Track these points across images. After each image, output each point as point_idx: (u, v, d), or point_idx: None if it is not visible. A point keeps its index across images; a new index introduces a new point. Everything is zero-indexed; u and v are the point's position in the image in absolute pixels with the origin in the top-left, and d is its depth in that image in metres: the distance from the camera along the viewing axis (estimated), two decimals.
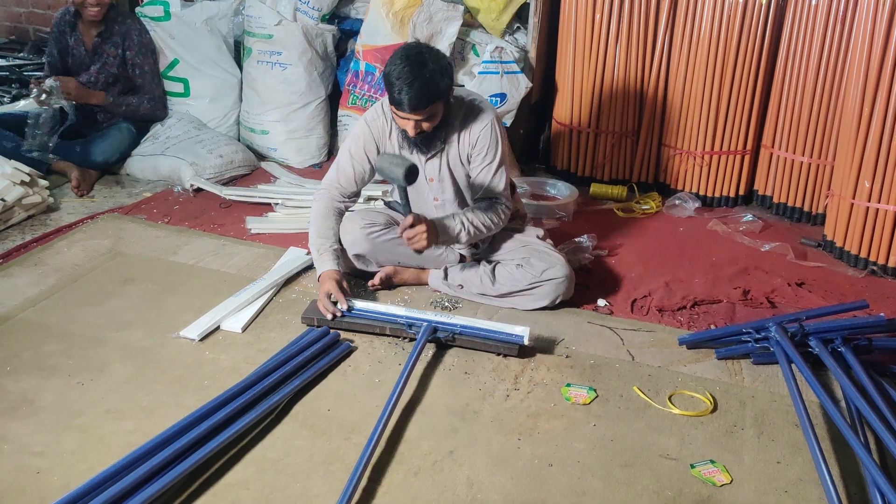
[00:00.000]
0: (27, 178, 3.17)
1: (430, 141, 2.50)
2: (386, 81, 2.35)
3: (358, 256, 2.70)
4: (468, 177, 2.62)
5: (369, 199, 3.30)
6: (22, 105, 4.11)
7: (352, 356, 2.34)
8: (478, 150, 2.54)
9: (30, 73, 4.71)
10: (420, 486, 1.83)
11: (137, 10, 3.99)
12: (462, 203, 2.68)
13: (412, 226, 2.41)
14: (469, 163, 2.58)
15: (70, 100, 3.49)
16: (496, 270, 2.65)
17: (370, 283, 2.72)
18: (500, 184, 2.58)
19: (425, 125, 2.40)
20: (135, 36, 3.68)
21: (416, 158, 2.57)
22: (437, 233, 2.48)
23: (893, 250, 2.98)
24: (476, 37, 3.76)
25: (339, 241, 2.64)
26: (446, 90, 2.38)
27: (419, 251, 2.47)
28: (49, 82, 3.45)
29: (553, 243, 2.76)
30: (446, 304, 2.65)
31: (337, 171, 2.65)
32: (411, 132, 2.41)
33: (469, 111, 2.54)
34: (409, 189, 2.56)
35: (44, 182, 3.29)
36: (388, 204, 2.87)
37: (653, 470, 1.92)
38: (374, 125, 2.58)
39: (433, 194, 2.66)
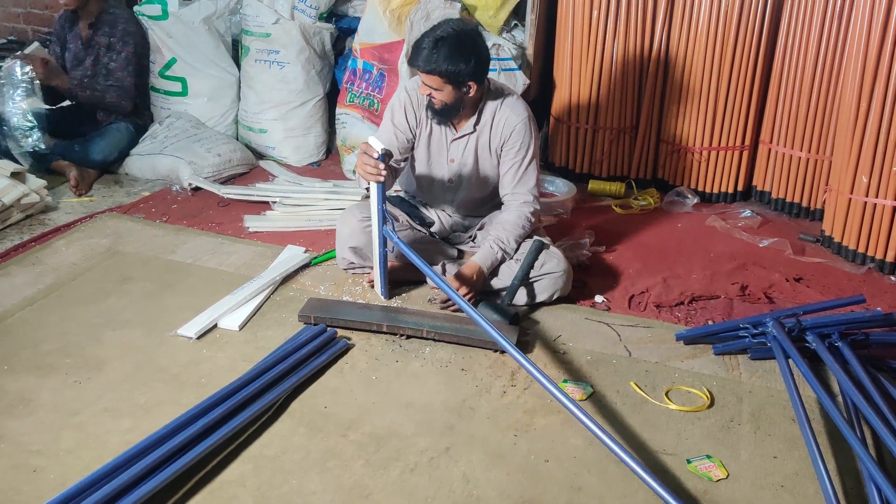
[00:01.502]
0: (17, 170, 3.20)
1: (440, 114, 2.55)
2: (424, 32, 2.47)
3: (354, 250, 2.70)
4: (497, 168, 2.66)
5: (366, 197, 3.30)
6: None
7: (349, 353, 2.34)
8: (511, 143, 2.59)
9: None
10: (416, 483, 1.83)
11: (136, 8, 3.99)
12: (476, 191, 2.71)
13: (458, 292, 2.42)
14: (500, 155, 2.63)
15: (39, 79, 3.44)
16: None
17: (367, 278, 2.73)
18: (531, 178, 2.63)
19: (434, 93, 2.48)
20: (120, 24, 3.65)
21: (443, 137, 2.63)
22: (481, 276, 2.56)
23: (891, 245, 2.98)
24: None
25: None
26: (460, 75, 2.43)
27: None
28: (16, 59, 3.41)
29: (551, 240, 2.76)
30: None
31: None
32: (420, 89, 2.51)
33: (505, 102, 2.61)
34: (425, 172, 2.70)
35: (41, 182, 3.30)
36: (388, 199, 2.89)
37: (649, 466, 1.91)
38: (414, 94, 2.63)
39: (449, 175, 2.69)
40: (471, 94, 2.52)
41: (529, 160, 2.61)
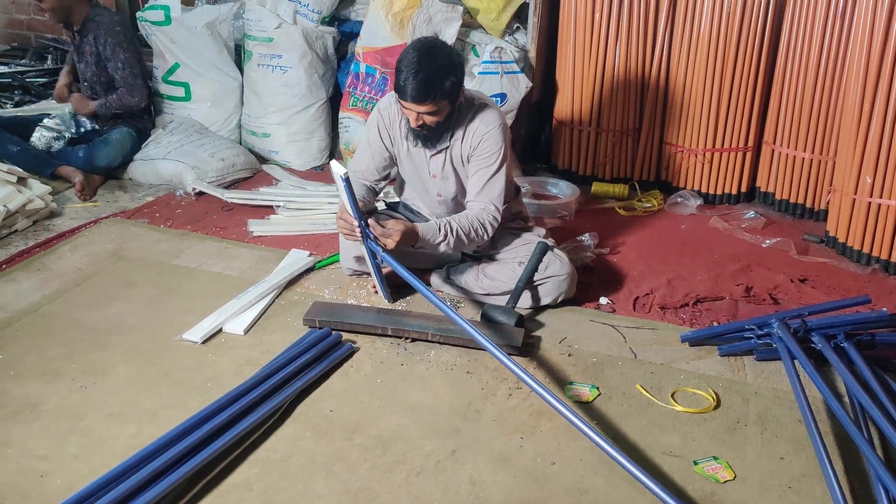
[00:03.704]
0: (16, 178, 3.20)
1: (432, 137, 2.51)
2: (395, 68, 2.38)
3: (358, 259, 2.71)
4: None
5: None
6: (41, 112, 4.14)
7: (354, 357, 2.34)
8: (479, 151, 2.53)
9: (32, 80, 4.73)
10: (423, 486, 1.83)
11: (138, 14, 4.00)
12: (463, 202, 2.69)
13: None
14: (468, 162, 2.58)
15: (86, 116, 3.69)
16: (498, 269, 2.65)
17: (371, 283, 2.73)
18: (495, 188, 2.53)
19: (427, 119, 2.42)
20: (104, 32, 3.60)
21: (422, 152, 2.59)
22: (414, 238, 2.43)
23: None
24: (476, 37, 3.76)
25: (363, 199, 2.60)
26: (452, 89, 2.38)
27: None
28: (61, 112, 3.66)
29: (555, 242, 2.76)
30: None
31: (356, 161, 2.67)
32: (412, 122, 2.44)
33: (477, 112, 2.54)
34: (415, 183, 2.67)
35: (46, 188, 3.30)
36: (388, 205, 2.89)
37: (655, 467, 1.91)
38: (385, 113, 2.61)
39: (436, 190, 2.67)
40: (460, 102, 2.48)
41: (496, 170, 2.52)
